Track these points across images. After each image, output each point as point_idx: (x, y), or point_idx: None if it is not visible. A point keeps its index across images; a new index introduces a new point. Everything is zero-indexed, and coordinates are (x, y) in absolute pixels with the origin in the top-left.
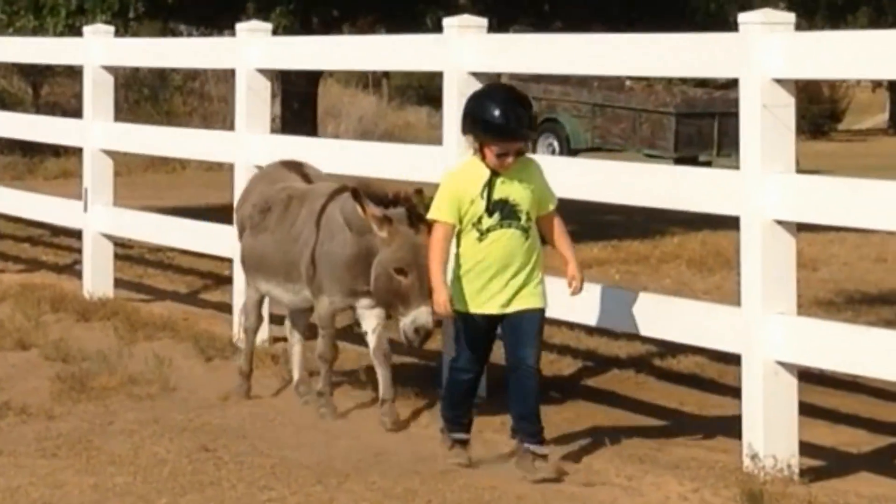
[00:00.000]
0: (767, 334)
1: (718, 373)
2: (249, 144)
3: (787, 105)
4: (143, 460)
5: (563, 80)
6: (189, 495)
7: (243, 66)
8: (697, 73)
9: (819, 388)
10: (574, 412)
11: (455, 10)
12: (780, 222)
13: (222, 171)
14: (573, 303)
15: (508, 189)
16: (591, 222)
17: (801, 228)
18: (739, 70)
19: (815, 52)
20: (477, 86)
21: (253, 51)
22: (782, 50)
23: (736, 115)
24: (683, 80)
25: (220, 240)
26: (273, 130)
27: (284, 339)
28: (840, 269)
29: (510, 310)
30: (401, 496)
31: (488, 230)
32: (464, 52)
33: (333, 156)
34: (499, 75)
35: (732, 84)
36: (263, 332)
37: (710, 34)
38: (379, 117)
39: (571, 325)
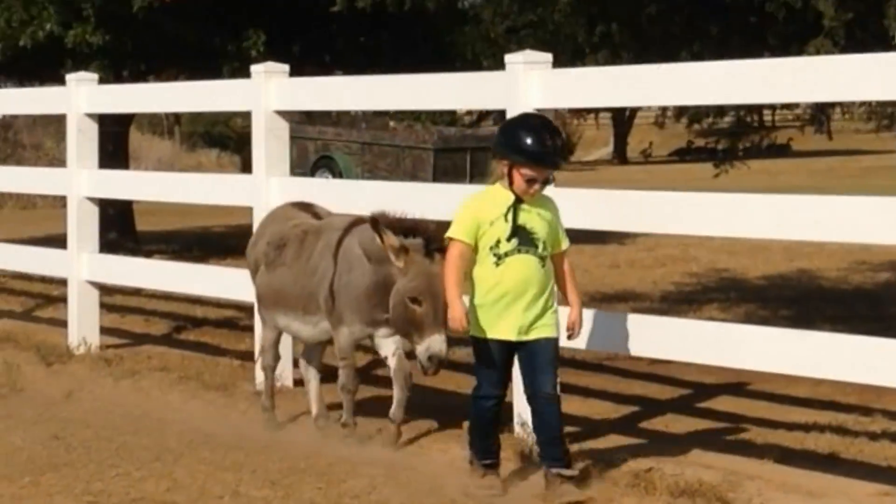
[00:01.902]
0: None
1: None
2: (80, 177)
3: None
4: (2, 448)
5: (336, 121)
6: (47, 475)
7: (73, 111)
8: (473, 105)
9: (573, 369)
10: None
11: (249, 62)
12: None
13: (35, 209)
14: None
15: (529, 217)
16: None
17: None
18: (506, 102)
19: (568, 86)
20: (281, 123)
21: (81, 97)
22: (541, 85)
23: (484, 149)
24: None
25: (49, 262)
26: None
27: (116, 346)
28: (581, 275)
29: (527, 338)
30: (229, 467)
31: (506, 254)
32: (270, 93)
33: (155, 185)
34: (326, 113)
35: (480, 122)
36: (96, 340)
37: (484, 73)
38: (174, 158)
39: None
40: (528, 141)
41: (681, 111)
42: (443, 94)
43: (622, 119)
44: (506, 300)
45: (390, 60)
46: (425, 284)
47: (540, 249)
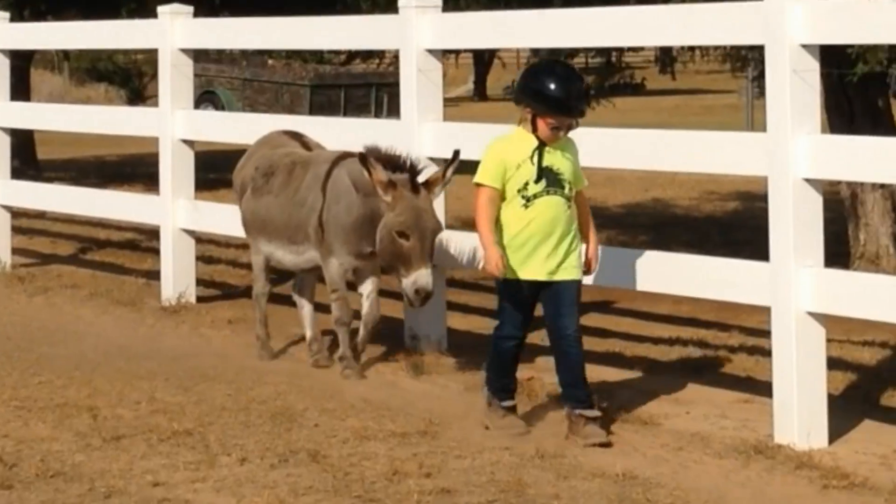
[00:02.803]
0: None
1: None
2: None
3: (436, 69)
4: None
5: (218, 59)
6: None
7: None
8: (368, 46)
9: (452, 288)
10: None
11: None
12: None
13: None
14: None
15: (554, 159)
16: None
17: None
18: (399, 43)
19: (459, 28)
20: (185, 59)
21: None
22: (432, 27)
23: (358, 86)
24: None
25: None
26: None
27: (26, 266)
28: (457, 203)
29: (555, 278)
30: (144, 376)
31: (535, 196)
32: (175, 32)
33: (74, 115)
34: (206, 51)
35: (350, 61)
36: (9, 260)
37: (378, 16)
38: (65, 92)
39: None
40: (552, 89)
41: (551, 53)
42: (340, 35)
43: (482, 58)
44: (534, 241)
45: (274, 4)
46: (413, 219)
47: (566, 190)
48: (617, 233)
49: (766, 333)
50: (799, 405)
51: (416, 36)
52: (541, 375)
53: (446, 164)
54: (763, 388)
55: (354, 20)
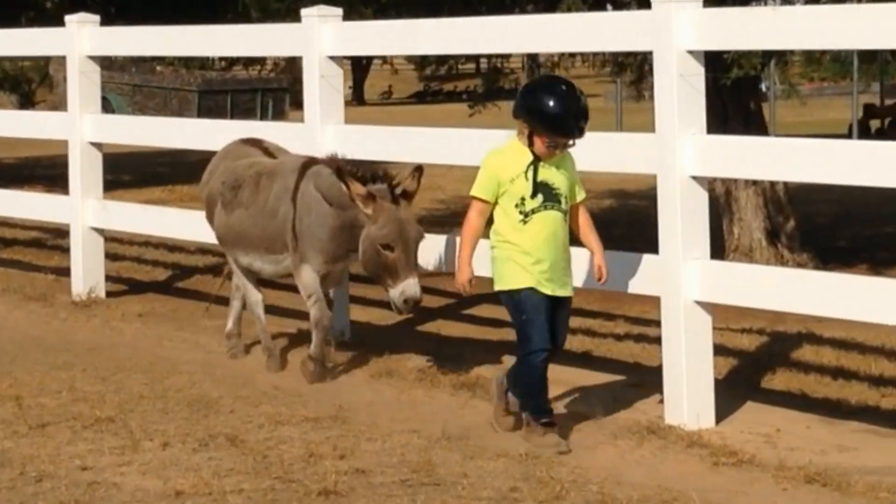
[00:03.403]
0: None
1: None
2: None
3: (337, 75)
4: None
5: (108, 65)
6: None
7: None
8: (272, 53)
9: (352, 282)
10: None
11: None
12: None
13: None
14: None
15: (549, 173)
16: (146, 172)
17: None
18: (303, 50)
19: (360, 35)
20: (93, 66)
21: None
22: (333, 35)
23: (244, 91)
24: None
25: None
26: None
27: None
28: None
29: (557, 294)
30: (62, 367)
31: (532, 211)
32: (83, 40)
33: None
34: (114, 58)
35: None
36: None
37: (282, 24)
38: None
39: None
40: (551, 106)
41: (423, 59)
42: (245, 42)
43: (359, 64)
44: (536, 256)
45: (169, 13)
46: (396, 231)
47: (563, 205)
48: None
49: (651, 322)
50: (688, 388)
51: (318, 43)
52: (442, 364)
53: (416, 177)
54: (651, 373)
55: (261, 28)
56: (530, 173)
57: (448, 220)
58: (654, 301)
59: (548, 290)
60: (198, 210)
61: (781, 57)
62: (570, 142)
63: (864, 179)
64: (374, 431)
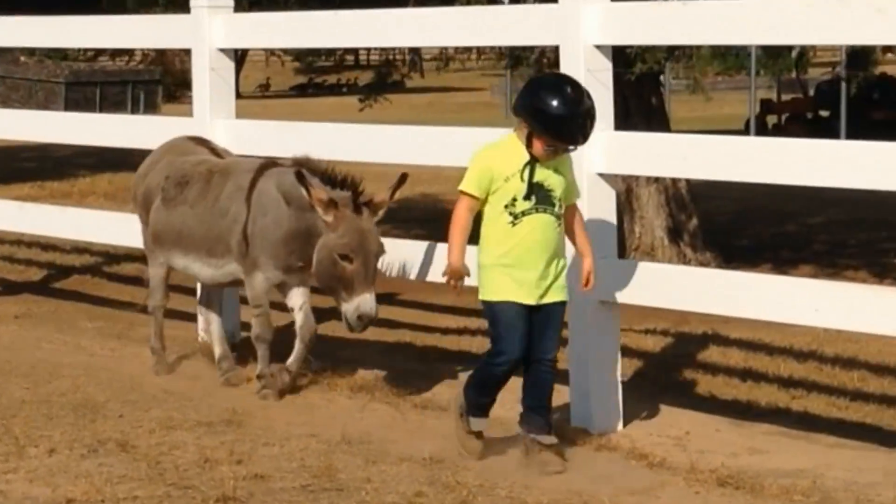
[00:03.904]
0: None
1: None
2: None
3: (228, 67)
4: None
5: None
6: None
7: None
8: (162, 45)
9: None
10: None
11: None
12: None
13: None
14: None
15: (545, 175)
16: (12, 167)
17: None
18: (192, 42)
19: (251, 28)
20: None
21: None
22: (224, 27)
23: (114, 83)
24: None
25: None
26: None
27: None
28: None
29: (543, 302)
30: None
31: (523, 213)
32: None
33: None
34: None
35: (97, 57)
36: None
37: (171, 15)
38: None
39: None
40: (555, 107)
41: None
42: (133, 33)
43: (236, 56)
44: (523, 262)
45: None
46: (357, 241)
47: (557, 208)
48: (391, 226)
49: None
50: (596, 390)
51: (208, 35)
52: (339, 367)
53: (394, 185)
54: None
55: (149, 20)
56: (526, 174)
57: None
58: None
59: (533, 298)
60: (74, 207)
61: (685, 52)
62: (572, 147)
63: (772, 177)
64: (270, 436)
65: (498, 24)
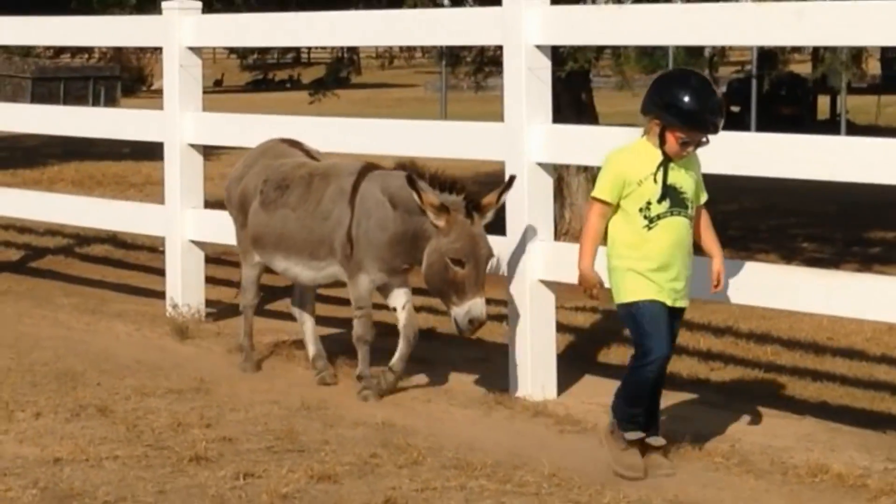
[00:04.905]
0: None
1: (126, 255)
2: None
3: (196, 65)
4: None
5: None
6: None
7: None
8: (136, 44)
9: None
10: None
11: None
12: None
13: None
14: None
15: (678, 176)
16: None
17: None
18: (163, 41)
19: (219, 27)
20: None
21: None
22: (193, 27)
23: (77, 79)
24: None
25: None
26: None
27: None
28: None
29: (675, 305)
30: None
31: (658, 217)
32: None
33: None
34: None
35: (59, 55)
36: None
37: (144, 16)
38: None
39: None
40: (686, 101)
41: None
42: (108, 33)
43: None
44: (660, 265)
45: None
46: (469, 246)
47: (690, 210)
48: None
49: (492, 301)
50: (533, 362)
51: (178, 35)
52: (295, 338)
53: (502, 188)
54: (494, 349)
55: (123, 20)
56: (660, 175)
57: None
58: (496, 280)
59: (668, 300)
60: (52, 193)
61: (613, 51)
62: (705, 139)
63: None
64: (236, 402)
65: (445, 25)
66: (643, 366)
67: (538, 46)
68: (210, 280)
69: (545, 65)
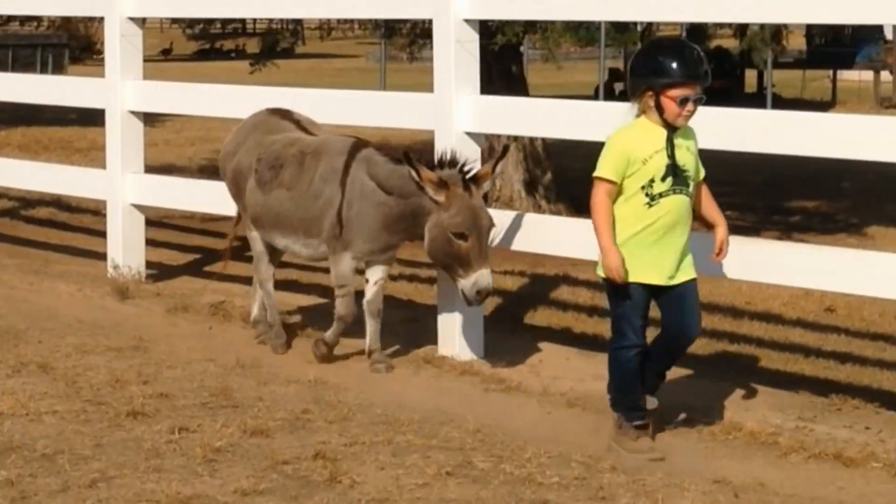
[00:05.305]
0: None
1: (70, 218)
2: None
3: (137, 34)
4: None
5: None
6: None
7: None
8: (78, 13)
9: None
10: None
11: None
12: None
13: None
14: None
15: (681, 154)
16: None
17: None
18: (105, 10)
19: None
20: None
21: None
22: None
23: (25, 46)
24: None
25: None
26: None
27: None
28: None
29: (674, 282)
30: None
31: (661, 195)
32: None
33: None
34: None
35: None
36: None
37: None
38: None
39: None
40: (670, 58)
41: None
42: (53, 2)
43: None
44: (657, 243)
45: None
46: (470, 219)
47: (690, 187)
48: None
49: (422, 264)
50: (461, 323)
51: (119, 5)
52: (231, 299)
53: (496, 158)
54: (422, 310)
55: None
56: (669, 149)
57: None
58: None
59: (662, 279)
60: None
61: (541, 26)
62: (699, 91)
63: None
64: (173, 360)
65: None
66: (620, 348)
67: (467, 20)
68: (150, 242)
69: (473, 38)
